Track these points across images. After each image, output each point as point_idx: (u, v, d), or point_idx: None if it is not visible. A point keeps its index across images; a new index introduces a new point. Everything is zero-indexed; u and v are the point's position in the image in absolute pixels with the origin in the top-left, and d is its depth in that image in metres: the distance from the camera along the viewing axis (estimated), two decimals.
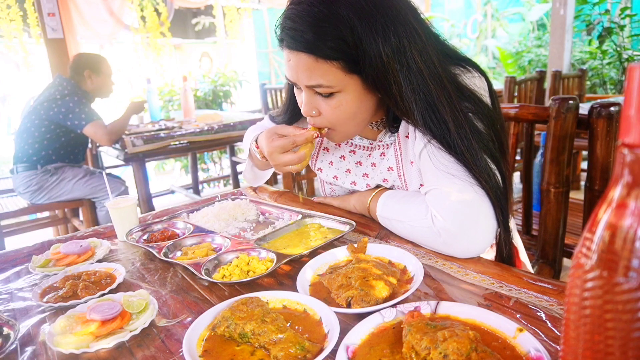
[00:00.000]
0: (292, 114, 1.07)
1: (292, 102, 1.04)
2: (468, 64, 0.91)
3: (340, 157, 1.08)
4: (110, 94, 2.84)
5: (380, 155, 1.01)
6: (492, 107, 0.88)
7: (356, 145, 1.06)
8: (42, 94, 2.63)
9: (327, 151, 1.11)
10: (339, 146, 1.09)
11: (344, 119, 0.88)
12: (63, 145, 2.65)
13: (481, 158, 0.81)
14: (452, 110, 0.81)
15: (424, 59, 0.80)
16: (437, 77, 0.81)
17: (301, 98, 0.89)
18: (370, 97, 0.88)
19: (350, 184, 1.06)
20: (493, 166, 0.82)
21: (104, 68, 2.72)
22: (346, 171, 1.07)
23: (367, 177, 1.04)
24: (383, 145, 1.01)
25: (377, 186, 1.04)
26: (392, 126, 0.97)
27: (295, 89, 0.93)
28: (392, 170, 0.98)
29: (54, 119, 2.54)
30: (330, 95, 0.85)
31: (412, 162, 0.94)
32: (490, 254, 0.96)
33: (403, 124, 0.95)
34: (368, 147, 1.04)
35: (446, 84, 0.82)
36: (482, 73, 0.91)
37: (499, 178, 0.83)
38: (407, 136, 0.95)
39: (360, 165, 1.05)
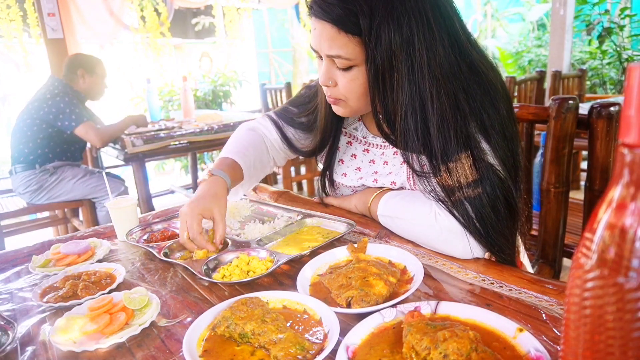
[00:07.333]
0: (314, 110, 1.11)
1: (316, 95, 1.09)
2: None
3: (352, 156, 1.09)
4: (101, 97, 2.83)
5: (394, 154, 1.01)
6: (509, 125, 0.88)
7: (369, 143, 1.07)
8: (35, 94, 2.62)
9: (339, 150, 1.11)
10: (351, 145, 1.09)
11: (356, 93, 0.90)
12: (58, 144, 2.64)
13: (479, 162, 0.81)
14: (443, 118, 0.81)
15: (429, 61, 0.81)
16: (444, 81, 0.81)
17: (321, 68, 0.93)
18: None
19: (359, 179, 1.07)
20: (501, 174, 0.82)
21: (98, 69, 2.72)
22: (356, 169, 1.08)
23: (377, 174, 1.04)
24: None
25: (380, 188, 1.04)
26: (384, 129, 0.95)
27: (317, 60, 0.97)
28: (405, 165, 0.98)
29: (44, 119, 2.54)
30: (347, 68, 0.88)
31: None
32: None
33: None
34: (381, 145, 1.05)
35: (450, 91, 0.82)
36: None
37: (507, 185, 0.83)
38: None
39: (373, 163, 1.06)
